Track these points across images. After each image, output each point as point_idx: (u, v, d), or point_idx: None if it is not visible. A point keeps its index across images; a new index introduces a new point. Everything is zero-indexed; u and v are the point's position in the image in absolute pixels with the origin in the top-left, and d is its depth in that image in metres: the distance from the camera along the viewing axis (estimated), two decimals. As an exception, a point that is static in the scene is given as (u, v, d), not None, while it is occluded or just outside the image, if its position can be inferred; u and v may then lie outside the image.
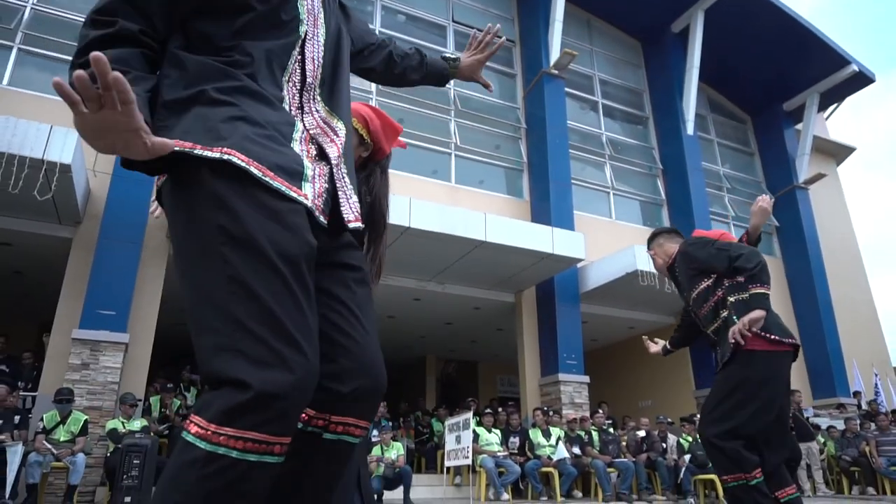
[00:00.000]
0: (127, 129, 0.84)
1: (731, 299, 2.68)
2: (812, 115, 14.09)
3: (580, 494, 8.20)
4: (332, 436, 1.02)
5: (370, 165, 1.65)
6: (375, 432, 7.79)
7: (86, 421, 6.18)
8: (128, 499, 5.66)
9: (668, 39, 13.33)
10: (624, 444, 8.89)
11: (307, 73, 1.14)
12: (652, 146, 13.27)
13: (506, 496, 7.46)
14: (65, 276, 7.38)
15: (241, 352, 0.84)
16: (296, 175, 0.99)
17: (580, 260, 9.34)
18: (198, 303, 0.91)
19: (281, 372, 0.84)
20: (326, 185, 1.07)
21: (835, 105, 15.09)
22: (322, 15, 1.20)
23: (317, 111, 1.14)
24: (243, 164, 0.92)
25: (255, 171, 0.93)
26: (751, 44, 13.23)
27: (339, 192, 1.10)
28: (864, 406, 11.83)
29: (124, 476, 5.70)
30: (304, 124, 1.10)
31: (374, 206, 1.57)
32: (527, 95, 11.89)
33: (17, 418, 5.83)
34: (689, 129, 12.59)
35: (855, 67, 13.41)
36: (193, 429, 0.83)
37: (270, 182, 0.94)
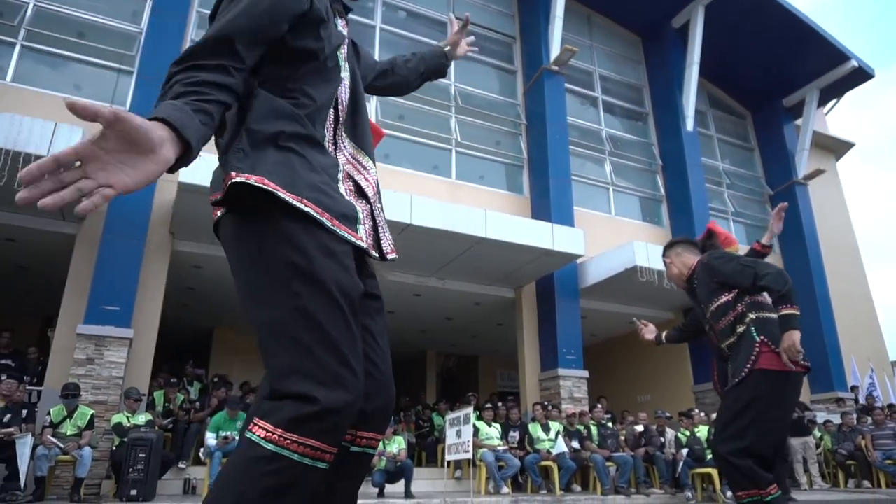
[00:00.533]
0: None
1: (753, 316, 2.69)
2: (812, 111, 14.12)
3: (579, 488, 8.30)
4: (357, 448, 1.15)
5: None
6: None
7: (92, 415, 6.26)
8: (133, 491, 5.77)
9: (668, 35, 13.34)
10: (622, 438, 8.99)
11: (340, 114, 1.26)
12: (651, 142, 13.31)
13: (505, 489, 7.56)
14: (69, 271, 7.45)
15: (309, 373, 0.98)
16: (353, 220, 1.13)
17: (580, 256, 9.41)
18: (267, 328, 1.02)
19: (341, 391, 0.98)
20: (371, 223, 1.21)
21: (834, 101, 15.12)
22: (348, 61, 1.33)
23: (345, 147, 1.26)
24: (317, 215, 1.05)
25: (327, 222, 1.07)
26: (750, 40, 13.25)
27: (379, 228, 1.24)
28: (862, 401, 11.93)
29: (130, 469, 5.80)
30: (339, 161, 1.22)
31: None
32: (527, 92, 11.92)
33: (24, 412, 5.91)
34: (689, 125, 12.63)
35: (854, 63, 13.44)
36: (260, 432, 0.96)
37: (337, 231, 1.08)
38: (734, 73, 14.39)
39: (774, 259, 13.51)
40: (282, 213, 1.04)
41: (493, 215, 8.65)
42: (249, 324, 1.06)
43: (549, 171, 10.75)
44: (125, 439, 6.12)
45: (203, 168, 7.44)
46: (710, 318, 2.89)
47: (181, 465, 7.07)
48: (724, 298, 2.80)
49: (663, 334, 3.58)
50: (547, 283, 10.22)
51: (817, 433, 9.97)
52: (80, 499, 5.83)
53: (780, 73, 14.02)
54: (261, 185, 1.03)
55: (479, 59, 12.07)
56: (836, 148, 17.00)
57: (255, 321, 1.04)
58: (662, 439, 9.00)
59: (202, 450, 6.96)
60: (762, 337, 2.62)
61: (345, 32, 1.33)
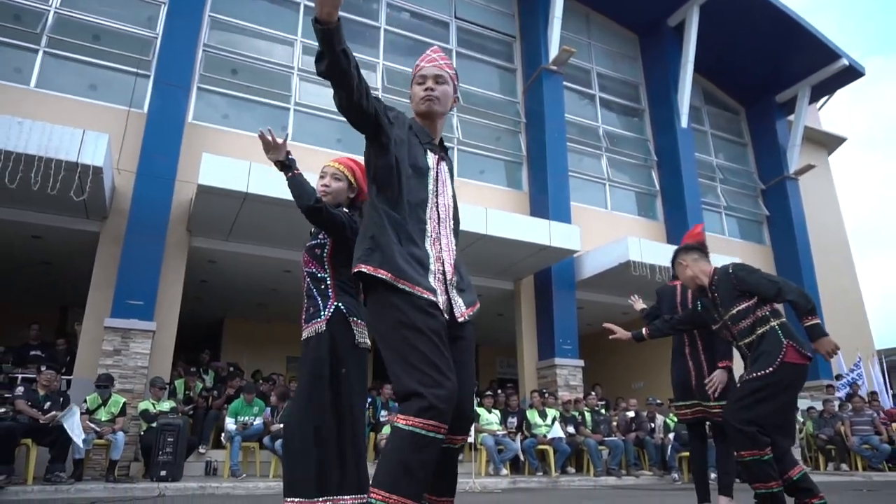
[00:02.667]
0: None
1: (777, 322, 3.22)
2: (803, 108, 14.49)
3: (573, 470, 8.82)
4: (445, 444, 1.74)
5: (357, 203, 2.57)
6: (385, 412, 8.38)
7: (124, 403, 6.76)
8: (163, 472, 6.28)
9: (664, 33, 13.68)
10: (615, 423, 9.50)
11: (441, 213, 1.87)
12: (647, 138, 13.70)
13: (504, 471, 8.08)
14: (94, 268, 7.89)
15: (421, 381, 1.59)
16: (433, 292, 1.74)
17: (576, 252, 9.85)
18: (396, 360, 1.65)
19: (439, 388, 1.58)
20: (445, 297, 1.82)
21: (826, 97, 15.48)
22: (448, 182, 1.96)
23: (446, 236, 1.88)
24: (409, 289, 1.70)
25: (417, 293, 1.70)
26: (745, 38, 13.61)
27: (452, 301, 1.84)
28: (847, 388, 12.43)
29: (160, 452, 6.31)
30: (435, 249, 1.84)
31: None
32: (526, 90, 12.29)
33: (61, 400, 6.38)
34: (684, 121, 13.02)
35: (845, 62, 13.78)
36: (400, 421, 1.57)
37: (427, 297, 1.71)
38: (728, 69, 14.74)
39: (765, 252, 14.01)
40: (388, 290, 1.69)
41: (493, 213, 9.07)
42: (387, 364, 1.66)
43: (548, 168, 11.17)
44: (153, 425, 6.62)
45: (217, 173, 7.82)
46: (727, 319, 3.39)
47: (201, 450, 7.57)
48: (744, 304, 3.30)
49: (644, 331, 3.99)
50: (545, 276, 10.68)
51: (800, 418, 10.49)
52: (115, 479, 6.34)
53: (773, 70, 14.38)
54: (374, 274, 1.69)
55: (480, 58, 12.43)
56: (827, 143, 17.37)
57: (390, 359, 1.66)
58: (652, 424, 9.51)
59: (223, 434, 7.46)
60: (787, 340, 3.14)
61: (430, 163, 1.90)
